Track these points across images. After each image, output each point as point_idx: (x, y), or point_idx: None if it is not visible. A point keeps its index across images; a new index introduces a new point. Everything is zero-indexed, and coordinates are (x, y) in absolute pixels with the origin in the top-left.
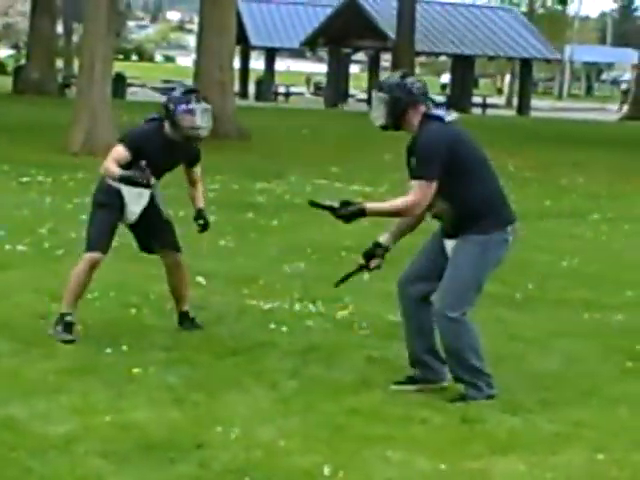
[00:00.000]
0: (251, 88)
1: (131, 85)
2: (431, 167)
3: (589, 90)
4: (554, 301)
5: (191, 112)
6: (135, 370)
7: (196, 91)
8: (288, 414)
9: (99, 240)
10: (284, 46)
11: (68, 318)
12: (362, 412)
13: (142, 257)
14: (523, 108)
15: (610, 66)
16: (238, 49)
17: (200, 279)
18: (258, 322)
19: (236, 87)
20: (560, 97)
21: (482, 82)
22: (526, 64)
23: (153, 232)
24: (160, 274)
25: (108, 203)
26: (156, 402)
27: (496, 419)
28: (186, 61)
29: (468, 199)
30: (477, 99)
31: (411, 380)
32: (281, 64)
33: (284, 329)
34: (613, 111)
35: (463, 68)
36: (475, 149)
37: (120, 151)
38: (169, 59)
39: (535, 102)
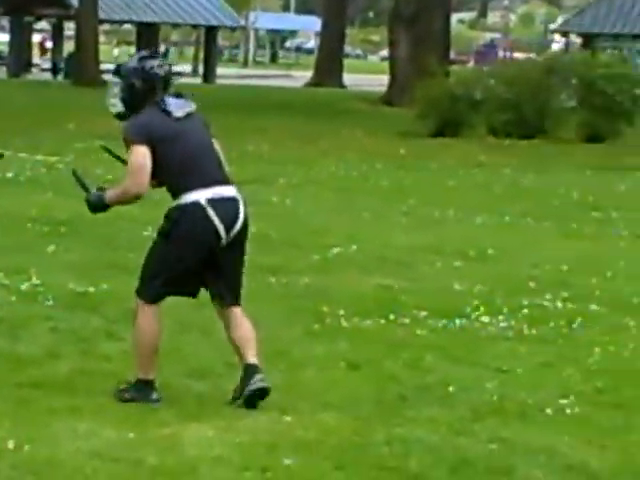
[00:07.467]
0: None
1: None
2: None
3: (274, 57)
4: None
5: None
6: None
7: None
8: None
9: None
10: None
11: None
12: (47, 385)
13: None
14: (209, 76)
15: (294, 34)
16: None
17: None
18: None
19: None
20: (245, 64)
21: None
22: (210, 32)
23: None
24: None
25: None
26: None
27: (184, 385)
28: None
29: None
30: None
31: None
32: None
33: None
34: (298, 78)
35: (147, 36)
36: None
37: None
38: None
39: (221, 70)
